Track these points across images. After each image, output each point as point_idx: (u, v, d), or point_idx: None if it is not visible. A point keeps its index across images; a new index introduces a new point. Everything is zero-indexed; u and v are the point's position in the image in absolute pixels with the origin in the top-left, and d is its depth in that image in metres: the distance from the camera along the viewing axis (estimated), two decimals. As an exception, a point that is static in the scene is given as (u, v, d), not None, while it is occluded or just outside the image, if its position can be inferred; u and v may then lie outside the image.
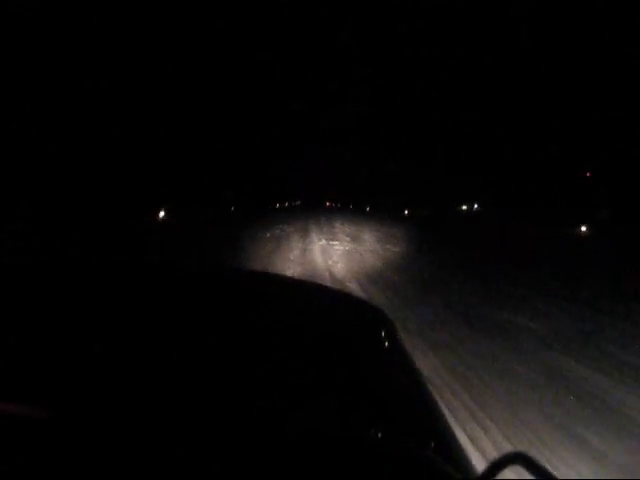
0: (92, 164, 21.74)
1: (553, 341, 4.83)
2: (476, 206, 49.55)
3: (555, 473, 0.62)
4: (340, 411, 0.77)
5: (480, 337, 4.91)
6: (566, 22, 35.24)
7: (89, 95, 22.32)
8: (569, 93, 33.30)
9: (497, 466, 0.59)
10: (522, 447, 2.62)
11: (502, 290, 7.72)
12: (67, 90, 21.27)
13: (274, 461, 0.56)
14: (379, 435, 0.74)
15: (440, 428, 0.87)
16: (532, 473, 0.57)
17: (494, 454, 2.52)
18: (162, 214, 26.66)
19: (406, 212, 52.38)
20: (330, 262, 10.12)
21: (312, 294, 1.55)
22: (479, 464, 0.72)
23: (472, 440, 2.72)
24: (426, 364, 3.92)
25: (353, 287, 7.33)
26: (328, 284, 6.59)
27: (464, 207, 50.83)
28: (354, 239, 16.65)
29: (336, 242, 15.08)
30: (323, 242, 14.87)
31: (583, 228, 27.28)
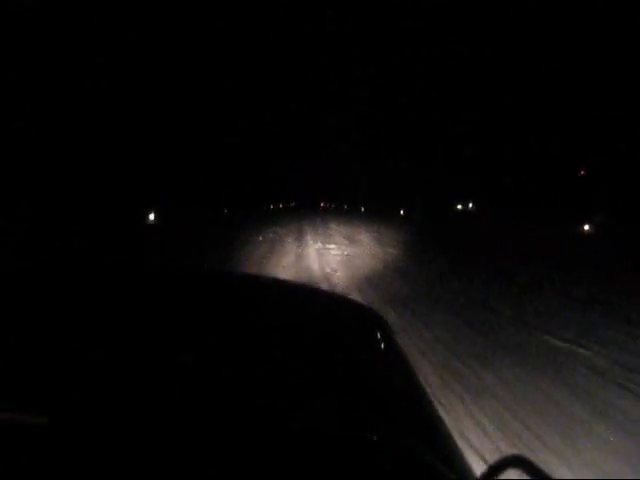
0: (85, 164, 21.52)
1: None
2: (470, 205, 49.37)
3: (551, 473, 0.59)
4: (338, 412, 0.76)
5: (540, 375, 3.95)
6: (566, 21, 34.91)
7: (87, 95, 22.09)
8: (569, 92, 32.98)
9: (496, 468, 0.61)
10: None
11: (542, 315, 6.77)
12: (64, 89, 21.02)
13: (274, 461, 0.57)
14: (376, 436, 0.71)
15: (436, 429, 0.87)
16: (530, 476, 0.57)
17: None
18: (152, 217, 26.05)
19: (402, 212, 52.00)
20: (328, 270, 9.11)
21: (307, 296, 1.57)
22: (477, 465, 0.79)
23: None
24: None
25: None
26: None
27: (459, 206, 50.63)
28: (352, 242, 15.66)
29: (333, 245, 14.10)
30: (319, 245, 13.88)
31: (586, 227, 26.79)
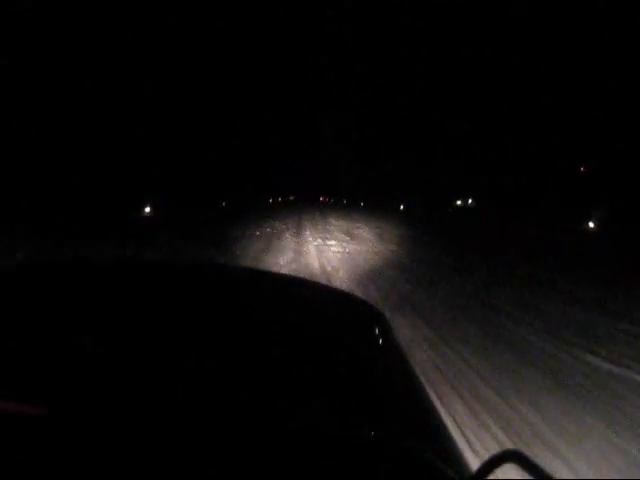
0: (84, 159, 21.55)
1: None
2: (470, 201, 49.06)
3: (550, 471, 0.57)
4: (336, 410, 0.75)
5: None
6: (566, 21, 34.50)
7: (89, 92, 22.05)
8: (569, 92, 32.62)
9: (492, 464, 0.59)
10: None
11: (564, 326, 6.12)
12: (64, 85, 20.95)
13: (273, 461, 0.57)
14: (375, 433, 0.71)
15: (435, 426, 0.86)
16: (527, 471, 0.57)
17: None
18: (147, 209, 25.57)
19: (402, 207, 51.53)
20: (329, 268, 8.44)
21: (305, 290, 1.54)
22: (474, 463, 0.70)
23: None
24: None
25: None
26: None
27: (459, 202, 50.34)
28: (353, 238, 14.98)
29: (333, 242, 13.42)
30: (319, 242, 13.21)
31: (591, 224, 26.19)
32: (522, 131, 35.87)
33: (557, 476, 0.59)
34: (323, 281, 7.19)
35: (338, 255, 10.51)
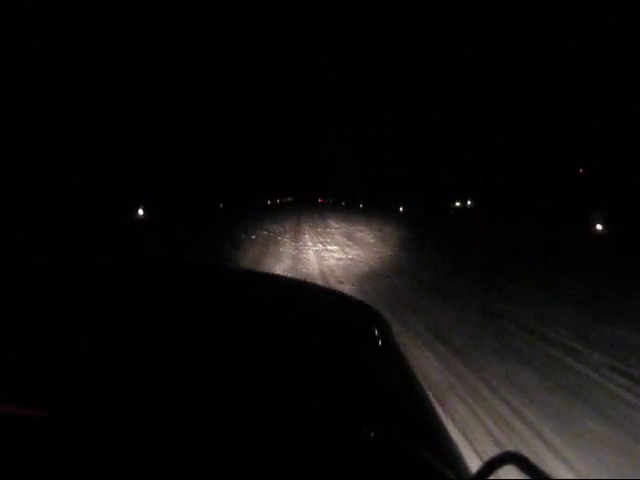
0: (84, 160, 21.24)
1: None
2: (469, 203, 48.46)
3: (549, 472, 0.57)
4: (336, 410, 0.75)
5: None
6: (566, 21, 34.10)
7: (87, 94, 21.77)
8: (569, 92, 32.21)
9: (491, 466, 0.59)
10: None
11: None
12: (59, 85, 20.67)
13: (273, 461, 0.57)
14: (373, 434, 0.69)
15: (434, 427, 0.86)
16: (526, 473, 0.57)
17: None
18: (141, 212, 24.86)
19: (401, 209, 50.82)
20: (332, 281, 7.45)
21: (304, 292, 1.54)
22: (473, 464, 0.69)
23: None
24: None
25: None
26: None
27: (457, 204, 49.75)
28: (356, 242, 13.99)
29: (335, 247, 12.47)
30: (319, 247, 12.26)
31: (598, 226, 25.33)
32: (522, 131, 35.50)
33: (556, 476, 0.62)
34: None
35: (341, 263, 9.55)
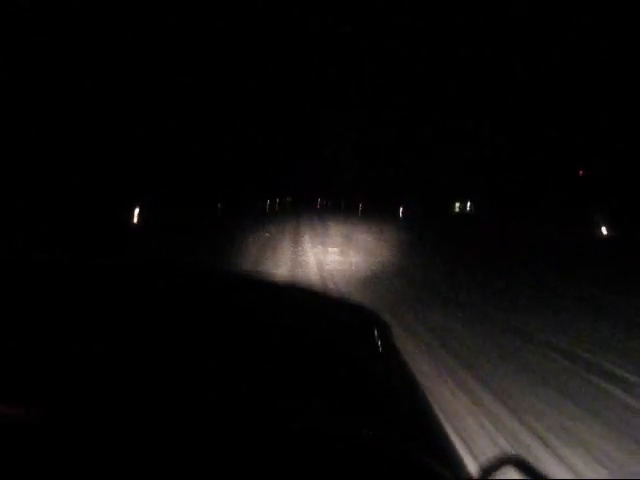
0: (83, 160, 21.24)
1: None
2: (469, 204, 48.36)
3: (546, 473, 0.54)
4: (335, 412, 0.75)
5: None
6: (566, 21, 34.14)
7: (87, 94, 21.74)
8: (569, 91, 32.21)
9: (491, 467, 0.58)
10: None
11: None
12: (62, 88, 20.63)
13: (273, 461, 0.56)
14: (374, 436, 0.69)
15: (434, 430, 0.86)
16: (525, 475, 0.56)
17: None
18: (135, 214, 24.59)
19: (401, 210, 50.63)
20: (334, 289, 7.10)
21: (305, 296, 1.54)
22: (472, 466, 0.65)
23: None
24: None
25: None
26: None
27: (457, 204, 49.65)
28: (358, 247, 13.58)
29: (336, 249, 12.10)
30: (319, 248, 11.88)
31: (604, 229, 24.97)
32: (522, 131, 35.42)
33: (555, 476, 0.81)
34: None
35: (344, 269, 9.17)
